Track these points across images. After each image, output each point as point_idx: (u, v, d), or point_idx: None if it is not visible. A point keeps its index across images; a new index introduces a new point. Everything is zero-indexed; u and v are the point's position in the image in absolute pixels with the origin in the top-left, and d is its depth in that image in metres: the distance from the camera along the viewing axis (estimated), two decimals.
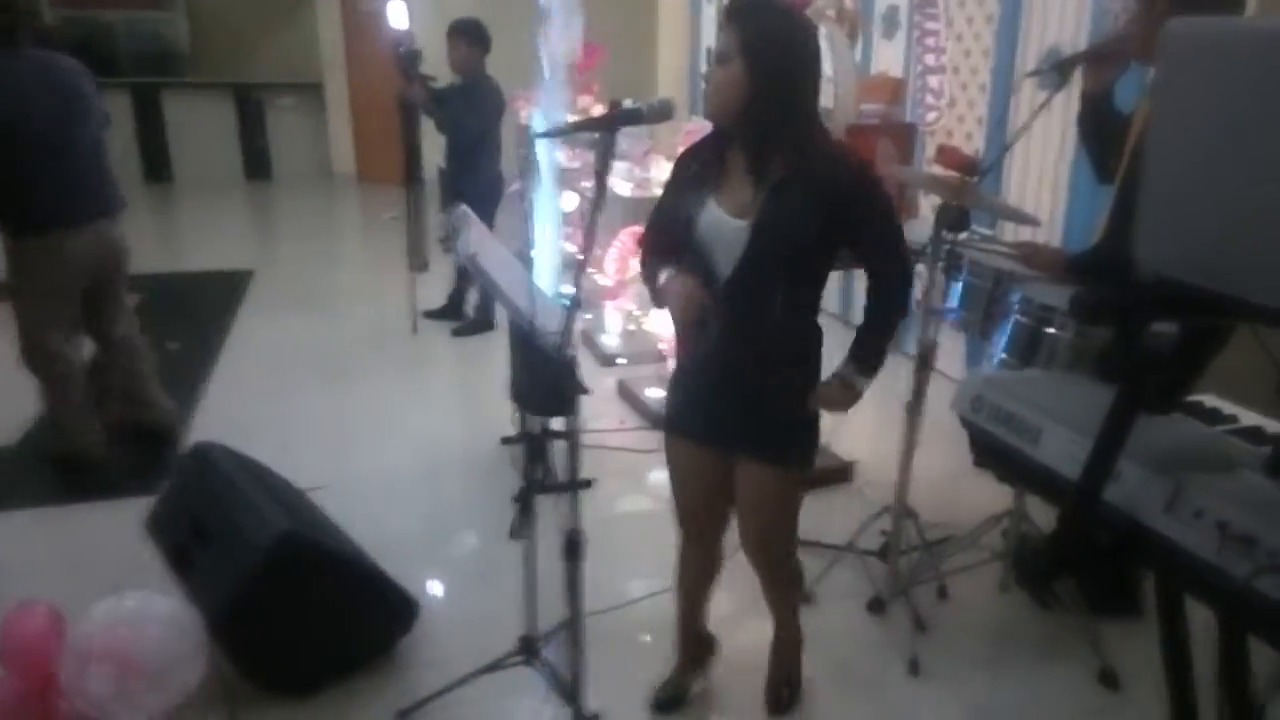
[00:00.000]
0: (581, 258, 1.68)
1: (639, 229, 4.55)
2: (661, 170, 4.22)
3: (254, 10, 9.60)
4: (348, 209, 9.20)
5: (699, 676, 2.29)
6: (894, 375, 2.67)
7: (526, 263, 4.31)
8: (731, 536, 2.08)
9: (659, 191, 4.42)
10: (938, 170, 2.80)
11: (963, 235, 2.40)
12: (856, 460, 3.42)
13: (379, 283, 5.79)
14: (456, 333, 5.05)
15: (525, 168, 4.89)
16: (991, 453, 1.23)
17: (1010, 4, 3.93)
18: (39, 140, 3.01)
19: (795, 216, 1.69)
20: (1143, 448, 1.00)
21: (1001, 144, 3.84)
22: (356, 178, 10.00)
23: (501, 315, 4.69)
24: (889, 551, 2.65)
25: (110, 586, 2.02)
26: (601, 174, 1.60)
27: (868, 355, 1.85)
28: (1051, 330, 2.18)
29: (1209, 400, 1.28)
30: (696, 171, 1.81)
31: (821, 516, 3.03)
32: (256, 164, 10.03)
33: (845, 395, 1.86)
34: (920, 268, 2.45)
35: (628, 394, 4.16)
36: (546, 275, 3.80)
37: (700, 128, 4.59)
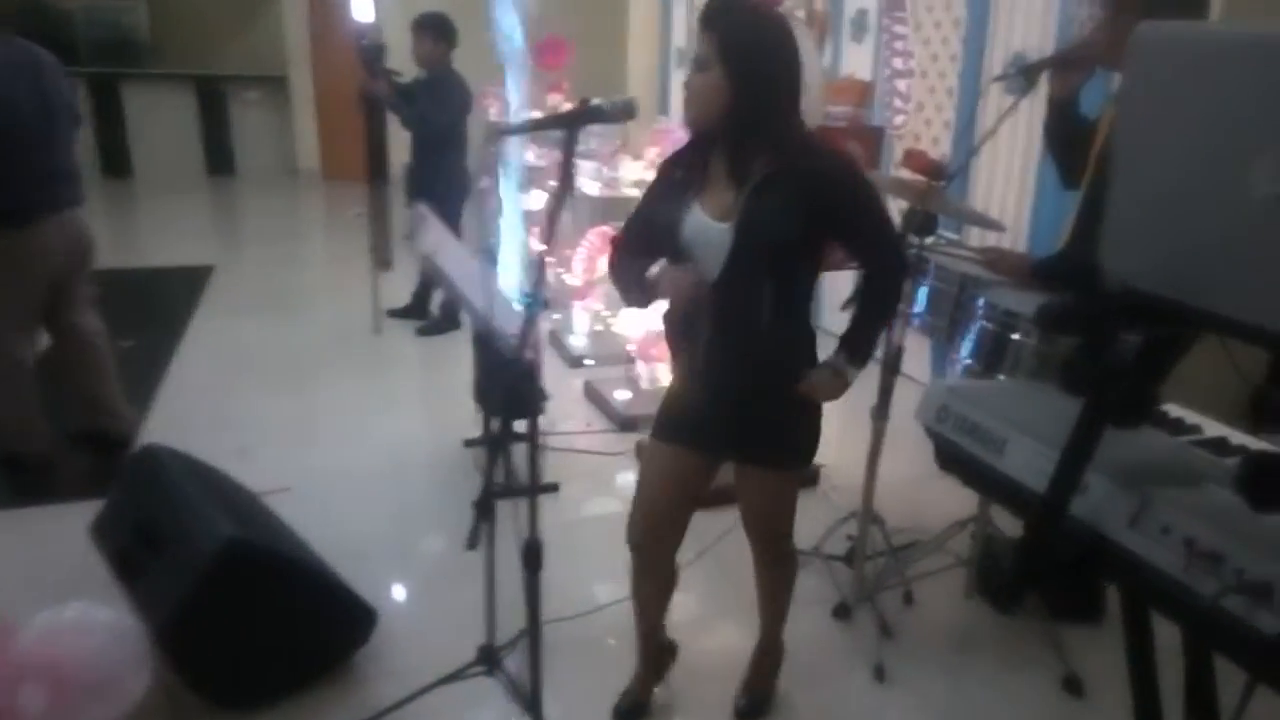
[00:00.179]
0: (544, 257, 1.63)
1: (607, 229, 4.52)
2: (630, 170, 4.19)
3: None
4: (312, 206, 9.06)
5: (660, 684, 2.25)
6: (860, 379, 2.66)
7: (494, 261, 4.26)
8: (683, 551, 2.05)
9: (627, 191, 4.42)
10: (904, 174, 2.79)
11: (929, 239, 2.39)
12: (823, 464, 3.41)
13: (342, 281, 5.69)
14: (421, 332, 4.97)
15: (493, 165, 4.83)
16: (957, 463, 1.21)
17: (977, 9, 3.95)
18: (24, 129, 2.96)
19: (777, 214, 1.66)
20: (1109, 460, 0.98)
21: (968, 148, 3.85)
22: (322, 174, 9.86)
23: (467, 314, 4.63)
24: (855, 557, 2.63)
25: (56, 594, 1.94)
26: (565, 172, 1.55)
27: (859, 345, 1.83)
28: (1016, 336, 2.17)
29: (1173, 410, 1.26)
30: (680, 178, 1.79)
31: None
32: (219, 159, 9.84)
33: (834, 384, 1.83)
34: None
35: (595, 396, 4.12)
36: (513, 274, 3.74)
37: (669, 127, 4.56)
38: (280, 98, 9.82)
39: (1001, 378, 2.18)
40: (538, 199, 4.98)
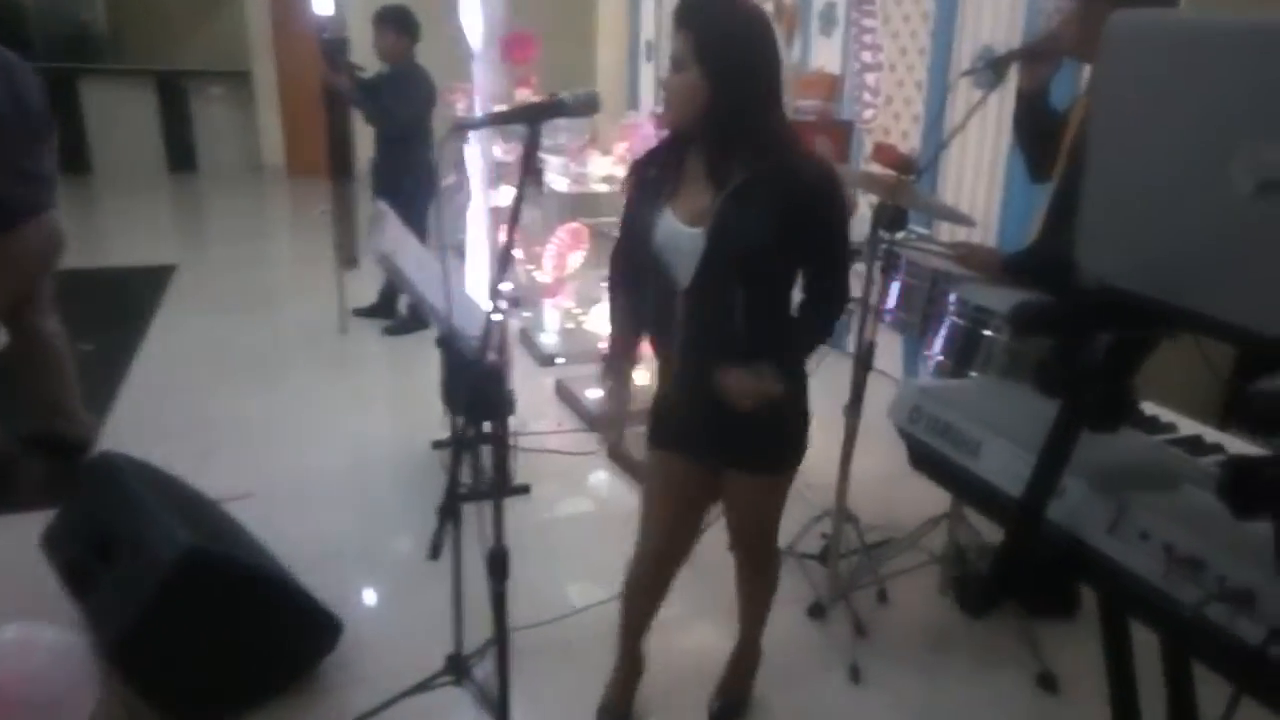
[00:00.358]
0: (508, 254, 1.58)
1: (577, 225, 4.47)
2: (598, 165, 4.14)
3: None
4: (276, 203, 8.91)
5: (636, 690, 2.21)
6: (833, 375, 2.64)
7: (462, 258, 4.19)
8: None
9: (596, 187, 4.36)
10: (875, 168, 2.77)
11: (900, 234, 2.37)
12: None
13: (308, 280, 5.60)
14: (388, 331, 4.90)
15: (460, 161, 4.76)
16: (930, 465, 1.18)
17: (946, 3, 3.94)
18: (4, 132, 2.95)
19: (752, 221, 1.60)
20: (1085, 463, 0.96)
21: (937, 142, 3.85)
22: (286, 170, 9.71)
23: None
24: (829, 556, 2.61)
25: (3, 610, 1.86)
26: (527, 167, 1.51)
27: (784, 361, 1.72)
28: (988, 333, 2.16)
29: (1147, 408, 1.24)
30: (654, 177, 1.73)
31: None
32: (181, 155, 9.66)
33: (749, 384, 1.66)
34: (859, 266, 2.42)
35: (566, 395, 4.07)
36: (480, 272, 3.68)
37: (638, 122, 4.52)
38: (243, 93, 9.65)
39: (974, 374, 2.17)
40: (506, 195, 4.92)
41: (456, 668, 2.14)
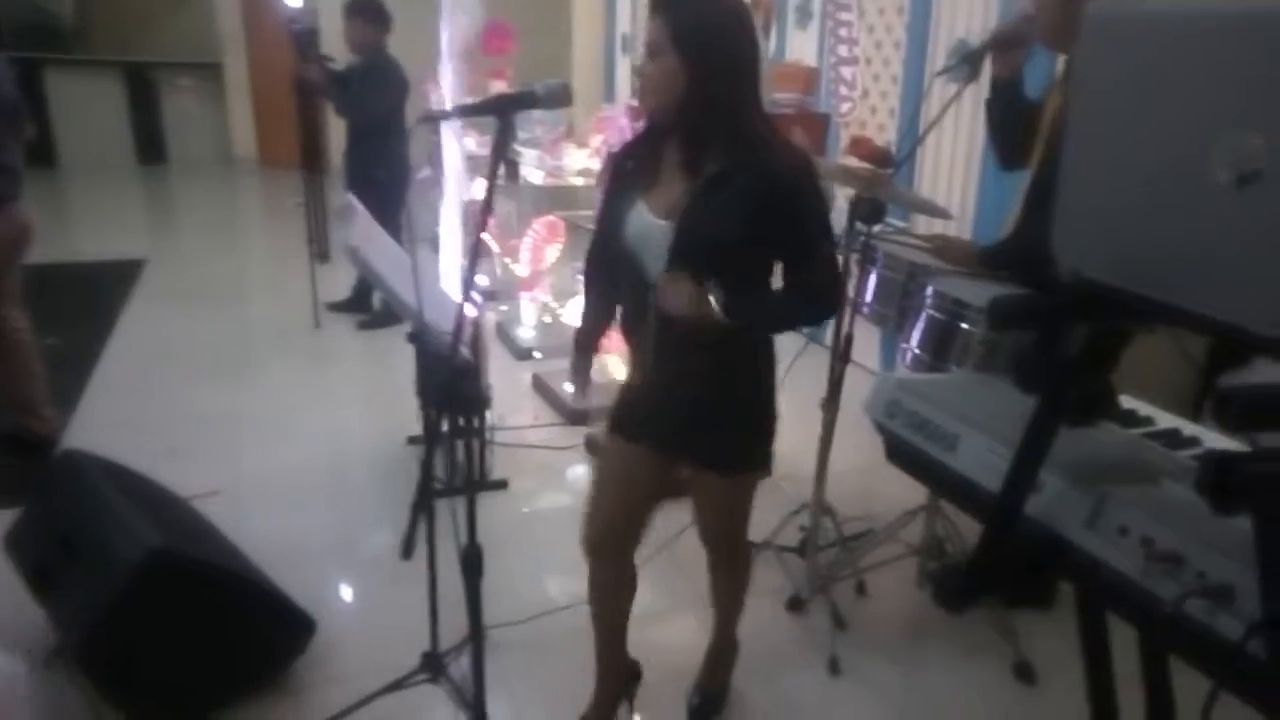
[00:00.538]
0: (478, 248, 1.55)
1: (553, 218, 4.44)
2: (574, 158, 4.10)
3: None
4: (248, 195, 8.79)
5: (624, 706, 2.14)
6: (811, 368, 2.64)
7: (437, 252, 4.15)
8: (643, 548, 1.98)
9: (572, 180, 4.32)
10: (852, 161, 2.76)
11: (877, 227, 2.36)
12: (774, 453, 3.38)
13: (280, 273, 5.51)
14: (363, 326, 4.84)
15: (436, 153, 4.71)
16: (908, 460, 1.17)
17: None
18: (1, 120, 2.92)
19: (721, 215, 1.56)
20: (1064, 458, 0.95)
21: (914, 135, 3.85)
22: (258, 162, 9.57)
23: None
24: (807, 548, 2.61)
25: None
26: (496, 159, 1.48)
27: (741, 309, 1.61)
28: (965, 326, 2.16)
29: (1125, 401, 1.24)
30: (630, 169, 1.70)
31: None
32: (150, 147, 9.49)
33: (688, 296, 1.57)
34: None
35: (543, 388, 4.04)
36: (453, 266, 3.64)
37: (614, 114, 4.49)
38: (214, 84, 9.49)
39: (951, 367, 2.17)
40: (480, 188, 4.87)
41: (432, 665, 2.12)
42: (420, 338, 1.68)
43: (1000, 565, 0.95)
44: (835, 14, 4.47)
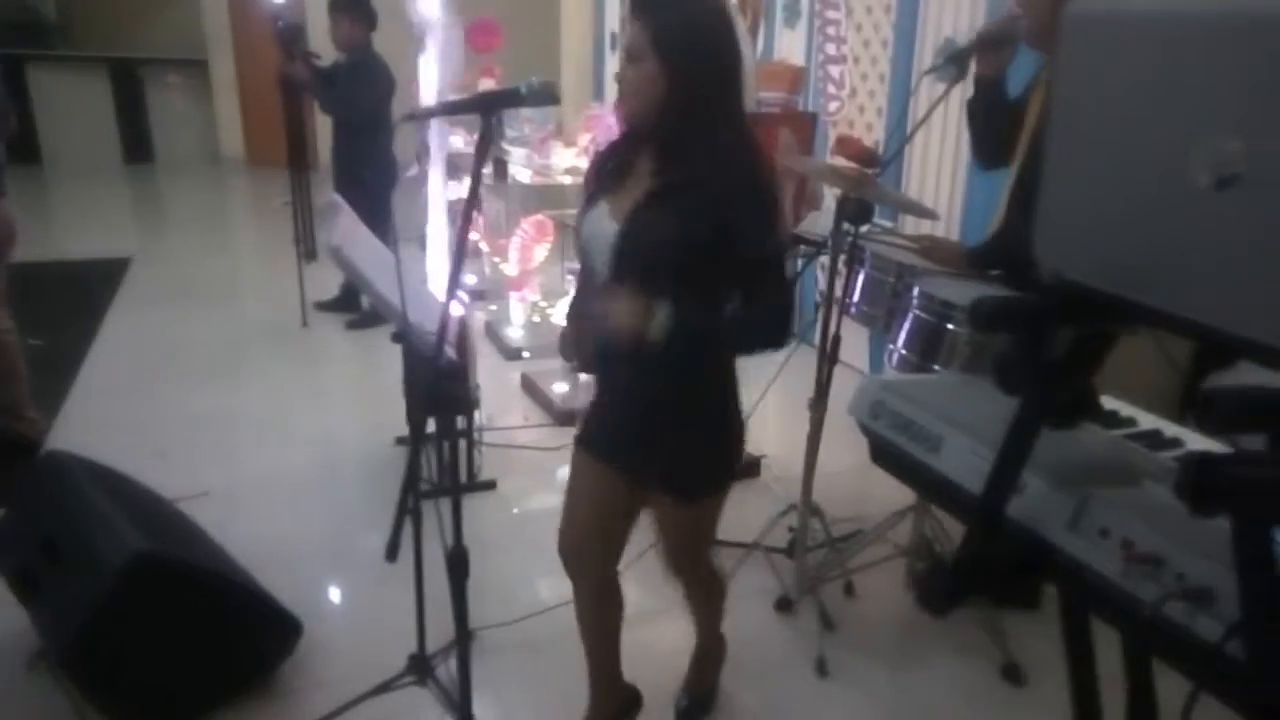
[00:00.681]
0: (461, 247, 1.53)
1: (542, 217, 4.43)
2: (562, 157, 4.10)
3: None
4: (236, 194, 8.74)
5: None
6: (801, 368, 2.64)
7: (424, 251, 4.13)
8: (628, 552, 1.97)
9: (560, 179, 4.31)
10: (839, 161, 2.77)
11: (864, 227, 2.37)
12: (765, 455, 3.39)
13: (268, 273, 5.50)
14: (351, 325, 4.82)
15: (424, 152, 4.69)
16: (892, 461, 1.17)
17: None
18: None
19: (667, 224, 1.51)
20: (1046, 460, 0.95)
21: (902, 135, 3.86)
22: (246, 161, 9.52)
23: None
24: (796, 549, 2.61)
25: None
26: (480, 158, 1.47)
27: (681, 334, 1.52)
28: (951, 327, 2.16)
29: (1107, 402, 1.25)
30: (610, 170, 1.67)
31: (729, 513, 2.94)
32: (136, 146, 9.43)
33: (631, 316, 1.50)
34: (824, 259, 2.41)
35: (532, 388, 4.03)
36: (440, 265, 3.62)
37: (603, 113, 4.48)
38: (201, 81, 9.44)
39: (937, 368, 2.17)
40: (466, 187, 4.87)
41: (419, 668, 2.12)
42: (405, 338, 1.66)
43: (983, 567, 0.95)
44: (823, 12, 4.48)
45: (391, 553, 1.47)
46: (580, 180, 4.42)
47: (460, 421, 3.09)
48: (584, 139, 4.08)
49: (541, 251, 4.46)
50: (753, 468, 3.35)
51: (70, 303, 5.10)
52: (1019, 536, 0.94)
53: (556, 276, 4.60)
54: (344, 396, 4.13)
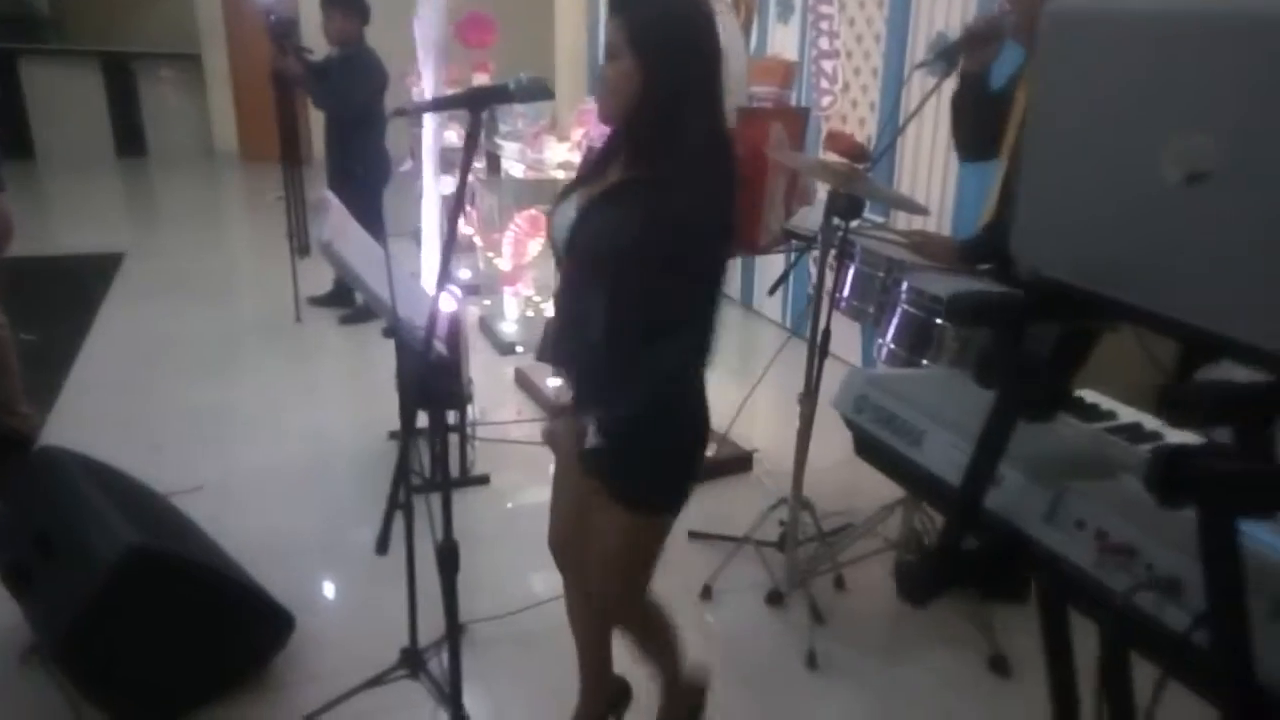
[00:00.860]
0: (451, 242, 1.53)
1: (535, 212, 4.43)
2: (555, 152, 4.10)
3: None
4: (229, 189, 8.72)
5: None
6: (793, 361, 2.65)
7: (419, 246, 4.13)
8: None
9: (553, 174, 4.32)
10: (829, 156, 2.78)
11: (855, 222, 2.38)
12: (757, 449, 3.41)
13: (262, 268, 5.50)
14: (344, 320, 4.83)
15: (417, 147, 4.70)
16: (876, 455, 1.19)
17: None
18: None
19: (610, 219, 1.48)
20: (1024, 453, 0.97)
21: (893, 130, 3.87)
22: (240, 155, 9.50)
23: None
24: (786, 543, 2.63)
25: None
26: (468, 154, 1.47)
27: (612, 419, 1.52)
28: (940, 321, 2.18)
29: (1087, 395, 1.26)
30: (595, 162, 1.65)
31: (722, 507, 3.00)
32: (129, 140, 9.41)
33: (563, 437, 1.57)
34: (814, 253, 2.42)
35: (526, 383, 4.04)
36: (433, 260, 3.63)
37: (595, 108, 4.47)
38: (194, 75, 9.41)
39: (926, 362, 2.19)
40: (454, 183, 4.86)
41: (412, 661, 2.13)
42: (396, 333, 1.67)
43: (962, 559, 0.97)
44: (816, 7, 4.48)
45: (382, 546, 1.47)
46: (573, 175, 4.43)
47: (453, 416, 3.10)
48: (577, 134, 4.08)
49: (535, 246, 4.46)
50: (744, 462, 3.37)
51: (64, 297, 5.09)
52: (997, 528, 0.96)
53: (550, 271, 4.60)
54: (337, 391, 4.14)
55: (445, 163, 3.99)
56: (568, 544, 1.86)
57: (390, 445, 3.45)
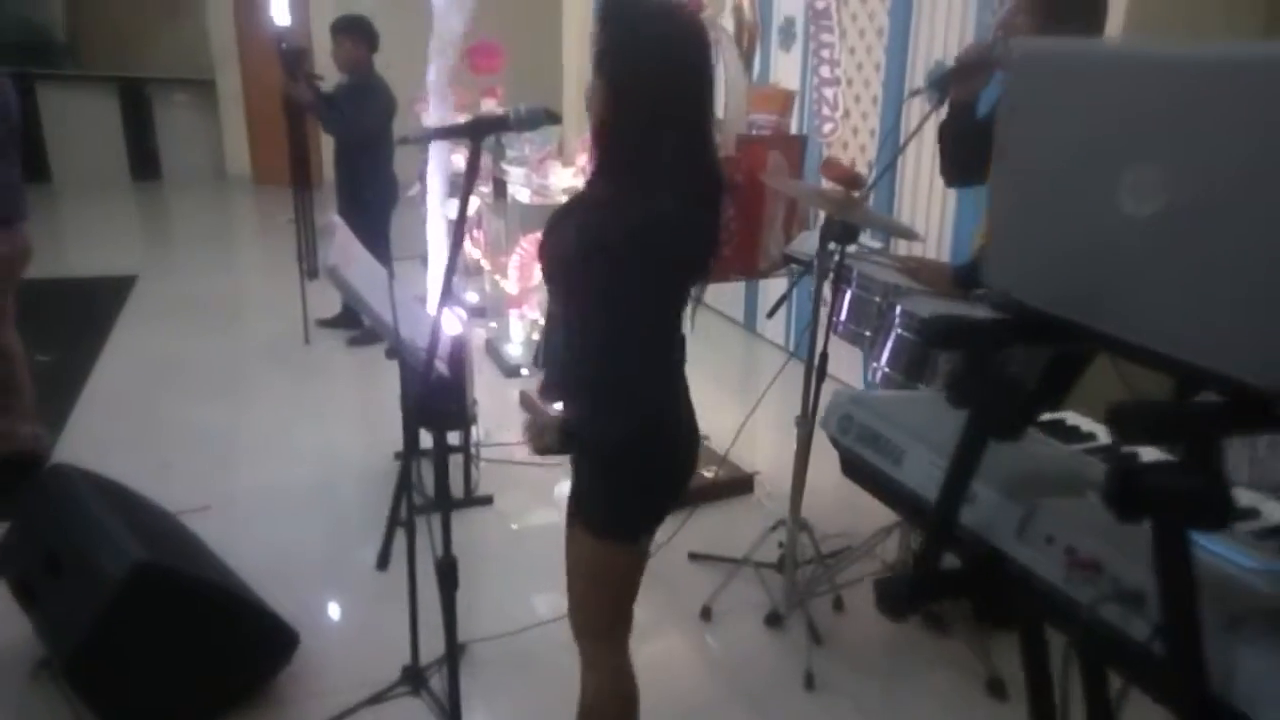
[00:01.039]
0: (453, 266, 1.58)
1: (540, 235, 4.49)
2: (560, 177, 4.16)
3: None
4: (241, 212, 8.83)
5: None
6: (794, 382, 2.68)
7: (426, 268, 4.20)
8: None
9: (559, 199, 4.38)
10: (826, 184, 2.83)
11: (851, 248, 2.42)
12: (758, 471, 3.43)
13: (271, 290, 5.56)
14: (353, 342, 4.88)
15: (424, 171, 4.77)
16: (859, 473, 1.22)
17: (899, 18, 4.03)
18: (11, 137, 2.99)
19: (563, 239, 1.47)
20: (998, 471, 1.00)
21: (891, 157, 3.92)
22: (252, 179, 9.63)
23: None
24: (785, 565, 2.65)
25: None
26: (469, 181, 1.52)
27: (568, 433, 1.51)
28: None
29: (1069, 418, 1.30)
30: (586, 181, 1.72)
31: (722, 528, 3.03)
32: (144, 164, 9.55)
33: (533, 433, 1.56)
34: (810, 278, 2.46)
35: (531, 405, 4.08)
36: (439, 284, 3.69)
37: None
38: (208, 100, 9.56)
39: (921, 387, 2.22)
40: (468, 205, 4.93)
41: (413, 679, 2.16)
42: (398, 354, 1.72)
43: (939, 575, 1.00)
44: (818, 36, 4.56)
45: (382, 562, 1.51)
46: None
47: (458, 437, 3.14)
48: (581, 159, 4.15)
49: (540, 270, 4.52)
50: (745, 484, 3.39)
51: (78, 319, 5.17)
52: (972, 544, 0.99)
53: None
54: (345, 412, 4.19)
55: (453, 187, 4.06)
56: None
57: (396, 466, 3.49)
